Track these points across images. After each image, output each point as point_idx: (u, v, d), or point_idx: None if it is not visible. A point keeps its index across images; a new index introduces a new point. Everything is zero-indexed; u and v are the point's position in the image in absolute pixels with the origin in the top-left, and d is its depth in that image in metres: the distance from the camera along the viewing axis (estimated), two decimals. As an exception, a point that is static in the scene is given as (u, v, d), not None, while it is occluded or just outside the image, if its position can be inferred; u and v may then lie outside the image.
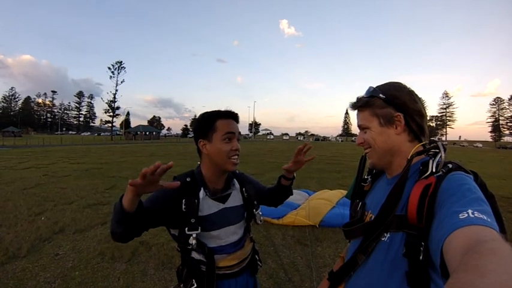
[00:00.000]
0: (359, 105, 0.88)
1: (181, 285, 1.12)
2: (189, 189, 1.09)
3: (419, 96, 0.85)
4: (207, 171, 1.15)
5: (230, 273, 1.14)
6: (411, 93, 0.83)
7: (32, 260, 3.16)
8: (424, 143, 0.81)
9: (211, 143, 1.11)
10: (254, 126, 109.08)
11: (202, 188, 1.12)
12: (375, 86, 0.87)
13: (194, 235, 1.04)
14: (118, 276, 2.87)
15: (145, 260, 3.21)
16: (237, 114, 1.19)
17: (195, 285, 1.06)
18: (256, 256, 1.29)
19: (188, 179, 1.12)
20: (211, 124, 1.12)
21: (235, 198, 1.21)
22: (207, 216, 1.10)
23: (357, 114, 0.90)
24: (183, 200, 1.05)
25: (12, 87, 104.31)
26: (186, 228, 1.04)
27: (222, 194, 1.17)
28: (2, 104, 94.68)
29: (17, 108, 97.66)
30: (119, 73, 59.16)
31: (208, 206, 1.11)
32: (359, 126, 0.89)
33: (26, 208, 5.05)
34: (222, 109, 1.16)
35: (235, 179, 1.26)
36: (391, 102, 0.81)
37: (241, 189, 1.25)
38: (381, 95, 0.83)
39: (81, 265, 3.07)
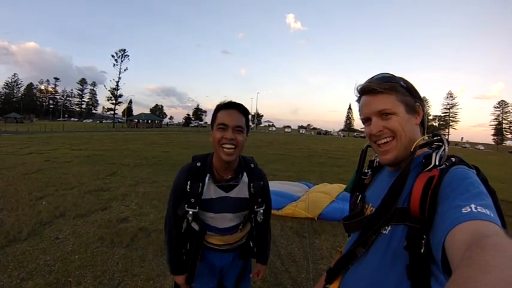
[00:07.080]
0: (384, 87, 0.76)
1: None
2: (195, 173, 1.20)
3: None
4: (215, 160, 1.23)
5: (217, 248, 1.31)
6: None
7: (33, 243, 3.20)
8: (426, 136, 0.79)
9: (212, 132, 1.20)
10: (256, 117, 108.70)
11: (208, 174, 1.21)
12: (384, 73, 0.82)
13: (191, 212, 1.19)
14: (117, 260, 2.91)
15: (144, 246, 3.24)
16: (239, 104, 1.18)
17: (188, 247, 1.29)
18: (251, 243, 1.39)
19: (198, 164, 1.22)
20: (215, 115, 1.20)
21: (241, 191, 1.25)
22: (208, 199, 1.21)
23: (372, 99, 0.79)
24: (188, 182, 1.18)
25: (14, 74, 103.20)
26: (186, 205, 1.18)
27: (227, 183, 1.22)
28: (5, 90, 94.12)
29: (20, 94, 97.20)
30: (122, 61, 58.94)
31: (211, 191, 1.21)
32: (379, 112, 0.77)
33: (27, 193, 5.09)
34: (227, 100, 1.19)
35: (245, 173, 1.27)
36: (410, 92, 0.78)
37: (249, 184, 1.26)
38: (402, 83, 0.78)
39: (80, 249, 3.10)
